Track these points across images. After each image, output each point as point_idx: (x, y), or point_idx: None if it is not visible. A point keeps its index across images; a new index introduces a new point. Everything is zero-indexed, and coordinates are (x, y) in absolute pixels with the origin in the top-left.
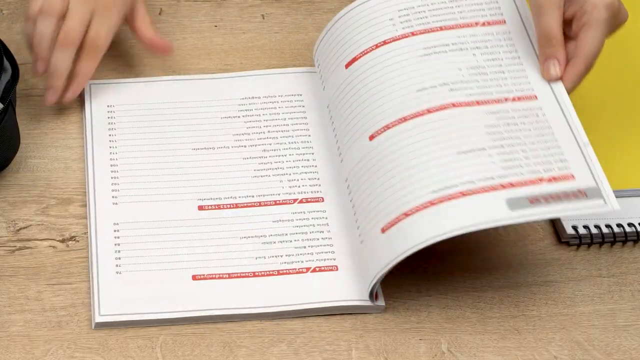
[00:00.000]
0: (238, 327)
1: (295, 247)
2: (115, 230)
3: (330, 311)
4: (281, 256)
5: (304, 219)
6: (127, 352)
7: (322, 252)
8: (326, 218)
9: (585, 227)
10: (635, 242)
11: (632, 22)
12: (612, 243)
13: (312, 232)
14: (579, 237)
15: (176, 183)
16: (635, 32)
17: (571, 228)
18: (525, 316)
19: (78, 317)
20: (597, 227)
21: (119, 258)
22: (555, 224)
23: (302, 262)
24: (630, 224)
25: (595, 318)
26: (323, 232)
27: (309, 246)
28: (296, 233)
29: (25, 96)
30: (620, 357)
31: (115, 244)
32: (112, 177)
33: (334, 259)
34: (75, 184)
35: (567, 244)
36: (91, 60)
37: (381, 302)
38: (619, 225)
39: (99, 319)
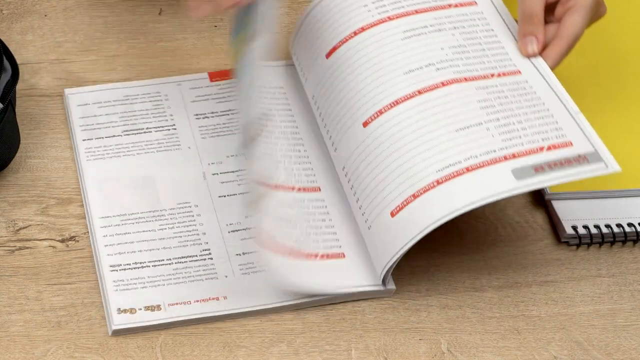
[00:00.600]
0: (238, 327)
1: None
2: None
3: (342, 298)
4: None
5: (304, 207)
6: (127, 352)
7: (327, 240)
8: (326, 207)
9: (585, 227)
10: (635, 242)
11: (629, 26)
12: (612, 243)
13: (314, 220)
14: (578, 237)
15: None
16: (634, 37)
17: (571, 228)
18: (525, 316)
19: (78, 317)
20: (596, 227)
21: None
22: (555, 224)
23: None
24: (630, 224)
25: (595, 318)
26: (325, 220)
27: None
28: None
29: (25, 96)
30: (620, 357)
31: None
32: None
33: (340, 247)
34: (75, 184)
35: (567, 244)
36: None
37: (391, 285)
38: (618, 225)
39: (116, 326)
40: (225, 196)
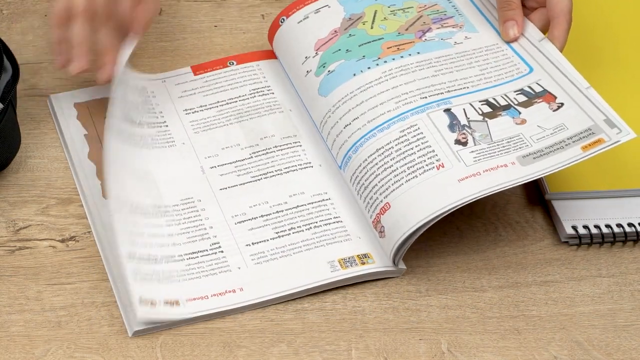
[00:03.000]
0: (238, 327)
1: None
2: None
3: (354, 280)
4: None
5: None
6: (127, 352)
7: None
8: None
9: (585, 227)
10: (635, 242)
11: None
12: (612, 243)
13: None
14: (578, 237)
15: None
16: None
17: (571, 228)
18: (525, 316)
19: (78, 317)
20: (597, 227)
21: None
22: (555, 224)
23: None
24: (630, 224)
25: (595, 318)
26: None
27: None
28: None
29: (25, 96)
30: (620, 357)
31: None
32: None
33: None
34: (75, 184)
35: (567, 244)
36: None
37: (402, 265)
38: (618, 225)
39: (138, 326)
40: (226, 188)
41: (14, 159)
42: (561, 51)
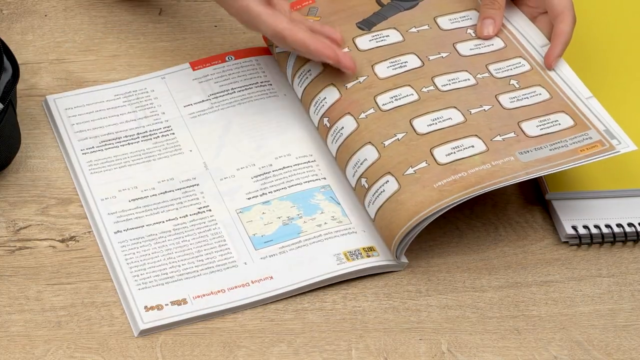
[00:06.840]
0: (238, 327)
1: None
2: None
3: (360, 274)
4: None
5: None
6: (127, 352)
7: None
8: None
9: (585, 227)
10: (635, 242)
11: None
12: (612, 243)
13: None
14: (578, 237)
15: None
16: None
17: (571, 228)
18: (525, 316)
19: (78, 317)
20: (597, 227)
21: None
22: (555, 224)
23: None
24: (630, 224)
25: (595, 318)
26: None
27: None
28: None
29: (26, 96)
30: (620, 357)
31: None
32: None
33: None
34: (75, 184)
35: (567, 244)
36: None
37: (404, 259)
38: (618, 225)
39: (143, 326)
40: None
41: (14, 159)
42: (566, 46)
